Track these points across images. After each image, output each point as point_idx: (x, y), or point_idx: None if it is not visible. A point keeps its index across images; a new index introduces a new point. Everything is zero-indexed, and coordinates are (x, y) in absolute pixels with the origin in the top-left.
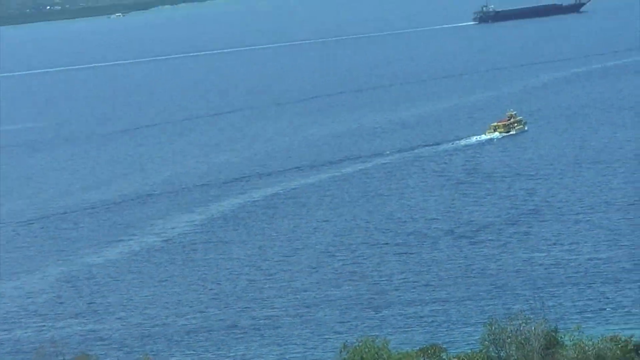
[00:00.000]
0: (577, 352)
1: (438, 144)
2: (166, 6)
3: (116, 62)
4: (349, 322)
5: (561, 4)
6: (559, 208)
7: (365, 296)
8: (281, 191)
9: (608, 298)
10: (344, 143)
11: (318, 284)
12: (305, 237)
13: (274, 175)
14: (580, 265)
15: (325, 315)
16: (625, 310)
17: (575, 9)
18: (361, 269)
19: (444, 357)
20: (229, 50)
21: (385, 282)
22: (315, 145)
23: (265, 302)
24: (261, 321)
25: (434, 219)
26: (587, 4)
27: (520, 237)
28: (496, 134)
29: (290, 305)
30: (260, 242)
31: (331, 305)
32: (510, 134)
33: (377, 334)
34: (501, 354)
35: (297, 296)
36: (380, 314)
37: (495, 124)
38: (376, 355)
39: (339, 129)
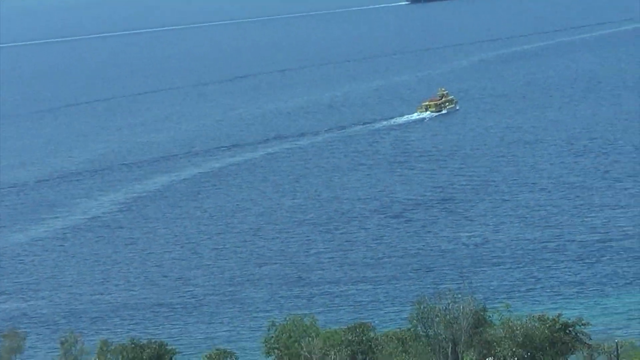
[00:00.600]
0: (505, 330)
1: (369, 123)
2: None
3: (42, 41)
4: (276, 300)
5: None
6: (487, 188)
7: (293, 275)
8: (208, 170)
9: (535, 278)
10: (273, 123)
11: (245, 263)
12: (232, 216)
13: (200, 155)
14: (508, 245)
15: (252, 294)
16: (553, 289)
17: None
18: (289, 248)
19: (372, 335)
20: (153, 29)
21: (312, 261)
22: (243, 125)
23: (192, 280)
24: (188, 299)
25: (363, 198)
26: None
27: (449, 216)
28: (428, 113)
29: (217, 284)
30: (187, 221)
31: (258, 284)
32: (442, 113)
33: (305, 312)
34: (429, 333)
35: (224, 275)
36: (308, 293)
37: (426, 102)
38: (304, 332)
39: (268, 109)
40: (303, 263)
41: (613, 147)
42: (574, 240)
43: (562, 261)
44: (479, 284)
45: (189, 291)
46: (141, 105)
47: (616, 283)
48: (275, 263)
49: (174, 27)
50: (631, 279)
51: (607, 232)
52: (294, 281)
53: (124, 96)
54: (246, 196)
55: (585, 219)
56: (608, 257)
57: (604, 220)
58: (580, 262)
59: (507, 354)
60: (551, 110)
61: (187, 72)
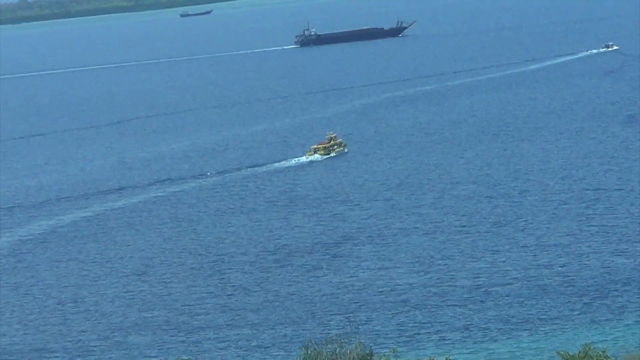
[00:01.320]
0: None
1: (257, 166)
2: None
3: None
4: (161, 345)
5: (382, 28)
6: (373, 232)
7: (177, 320)
8: (90, 214)
9: (422, 322)
10: (157, 166)
11: (128, 308)
12: (114, 260)
13: (82, 199)
14: (393, 289)
15: (136, 339)
16: (440, 334)
17: (396, 32)
18: (172, 292)
19: None
20: (49, 72)
21: (197, 306)
22: (128, 168)
23: (74, 326)
24: (70, 345)
25: (248, 242)
26: (408, 28)
27: (335, 261)
28: (316, 156)
29: (101, 329)
30: (70, 265)
31: (143, 329)
32: (331, 156)
33: (190, 357)
34: None
35: (108, 320)
36: (194, 338)
37: (315, 146)
38: None
39: (153, 152)
40: (188, 307)
41: (497, 191)
42: (459, 285)
43: (449, 305)
44: (365, 329)
45: (71, 337)
46: (31, 147)
47: (502, 327)
48: (159, 308)
49: (60, 70)
50: (517, 324)
51: (491, 277)
52: (179, 326)
53: (15, 138)
54: (129, 240)
55: (470, 263)
56: (493, 302)
57: (488, 265)
58: (466, 306)
59: None
60: (435, 154)
61: (81, 114)
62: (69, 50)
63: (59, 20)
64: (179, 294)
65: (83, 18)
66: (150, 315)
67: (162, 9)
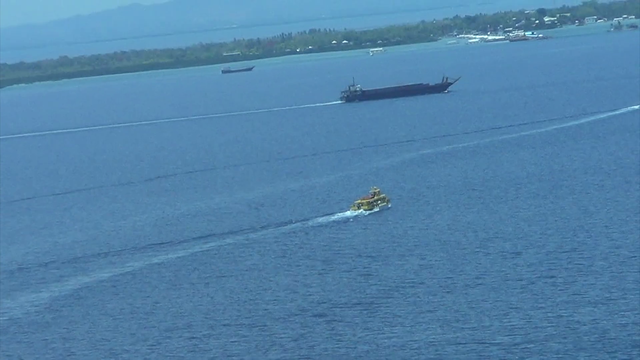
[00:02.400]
0: None
1: (301, 221)
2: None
3: None
4: None
5: (428, 84)
6: (410, 290)
7: None
8: (127, 271)
9: None
10: (199, 221)
11: None
12: (151, 317)
13: (122, 255)
14: (429, 348)
15: None
16: None
17: (441, 89)
18: (210, 349)
19: None
20: (89, 128)
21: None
22: (167, 224)
23: None
24: None
25: (286, 299)
26: (454, 84)
27: (371, 319)
28: (361, 211)
29: None
30: (104, 320)
31: None
32: (374, 211)
33: None
34: None
35: None
36: None
37: (359, 200)
38: None
39: (194, 208)
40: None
41: (533, 247)
42: (496, 342)
43: None
44: None
45: None
46: (58, 205)
47: None
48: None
49: (100, 126)
50: None
51: (528, 334)
52: None
53: (26, 198)
54: (167, 297)
55: (505, 321)
56: (534, 358)
57: (525, 322)
58: None
59: None
60: (473, 211)
61: (111, 171)
62: (109, 106)
63: (99, 76)
64: (216, 351)
65: (123, 74)
66: None
67: (202, 65)
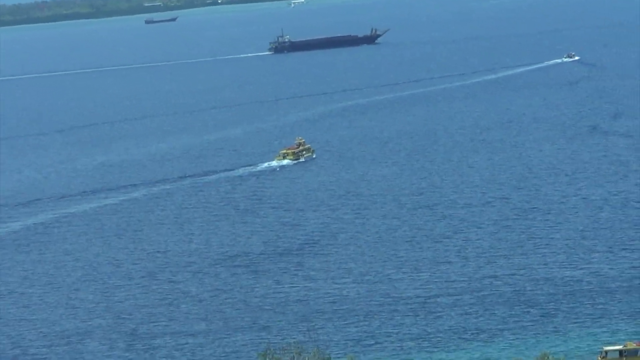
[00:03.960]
0: None
1: (228, 170)
2: None
3: None
4: (111, 353)
5: (357, 35)
6: (337, 239)
7: (137, 326)
8: (39, 222)
9: (381, 330)
10: (123, 171)
11: (76, 316)
12: (68, 267)
13: (33, 206)
14: (349, 297)
15: (85, 347)
16: (394, 343)
17: (370, 40)
18: (130, 299)
19: None
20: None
21: (154, 313)
22: (86, 175)
23: (21, 334)
24: (18, 354)
25: (210, 249)
26: (382, 36)
27: (294, 268)
28: (286, 161)
29: (45, 337)
30: (15, 270)
31: (90, 338)
32: (300, 161)
33: None
34: None
35: (54, 328)
36: (154, 344)
37: (284, 150)
38: None
39: (112, 159)
40: (145, 315)
41: (446, 202)
42: (412, 295)
43: (403, 315)
44: (324, 336)
45: (16, 345)
46: None
47: (456, 337)
48: (114, 316)
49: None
50: (471, 334)
51: (442, 287)
52: (141, 332)
53: None
54: (78, 247)
55: (423, 274)
56: (446, 312)
57: (441, 275)
58: (420, 316)
59: None
60: (407, 163)
61: (22, 121)
62: (32, 56)
63: (20, 26)
64: (136, 300)
65: (44, 24)
66: (100, 323)
67: (124, 16)
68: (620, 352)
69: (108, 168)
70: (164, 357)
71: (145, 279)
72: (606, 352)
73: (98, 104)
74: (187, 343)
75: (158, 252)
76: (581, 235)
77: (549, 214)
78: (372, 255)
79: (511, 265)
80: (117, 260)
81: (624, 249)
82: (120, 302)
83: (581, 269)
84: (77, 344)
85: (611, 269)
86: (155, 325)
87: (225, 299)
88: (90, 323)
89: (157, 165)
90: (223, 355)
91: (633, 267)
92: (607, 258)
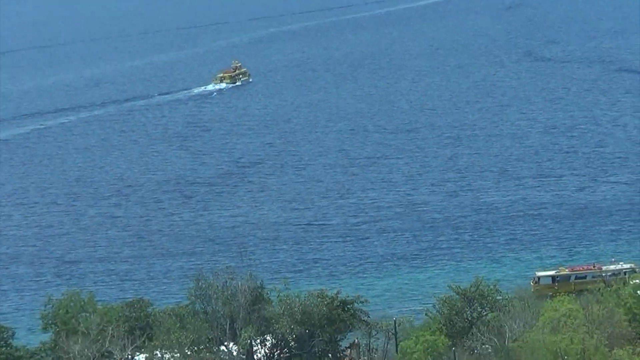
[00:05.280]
0: (283, 307)
1: (163, 94)
2: None
3: None
4: (51, 276)
5: None
6: (268, 165)
7: (69, 251)
8: None
9: (314, 256)
10: (56, 95)
11: (12, 239)
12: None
13: None
14: (287, 222)
15: (26, 270)
16: (332, 268)
17: None
18: (65, 224)
19: (149, 310)
20: None
21: (88, 237)
22: (15, 100)
23: None
24: None
25: (145, 173)
26: None
27: (228, 193)
28: (222, 85)
29: None
30: None
31: (32, 260)
32: (236, 85)
33: (82, 288)
34: (207, 309)
35: None
36: (85, 269)
37: (221, 74)
38: (82, 308)
39: (43, 82)
40: (76, 239)
41: (378, 125)
42: (346, 221)
43: (339, 240)
44: (257, 261)
45: None
46: None
47: (392, 262)
48: (44, 240)
49: None
50: (406, 258)
51: (374, 213)
52: (70, 257)
53: None
54: (8, 173)
55: (356, 199)
56: (384, 237)
57: (378, 201)
58: (359, 240)
59: (286, 330)
60: (343, 86)
61: None
62: None
63: None
64: (64, 226)
65: None
66: (36, 248)
67: None
68: (553, 277)
69: (36, 92)
70: (93, 282)
71: (73, 205)
72: (539, 277)
73: (20, 30)
74: (116, 268)
75: (87, 177)
76: (510, 161)
77: (476, 140)
78: (302, 182)
79: (441, 191)
80: (45, 185)
81: (553, 176)
82: (48, 227)
83: (511, 195)
84: (4, 269)
85: (542, 195)
86: (84, 251)
87: (155, 224)
88: (17, 249)
89: (88, 90)
90: (154, 280)
91: (563, 194)
92: (537, 185)
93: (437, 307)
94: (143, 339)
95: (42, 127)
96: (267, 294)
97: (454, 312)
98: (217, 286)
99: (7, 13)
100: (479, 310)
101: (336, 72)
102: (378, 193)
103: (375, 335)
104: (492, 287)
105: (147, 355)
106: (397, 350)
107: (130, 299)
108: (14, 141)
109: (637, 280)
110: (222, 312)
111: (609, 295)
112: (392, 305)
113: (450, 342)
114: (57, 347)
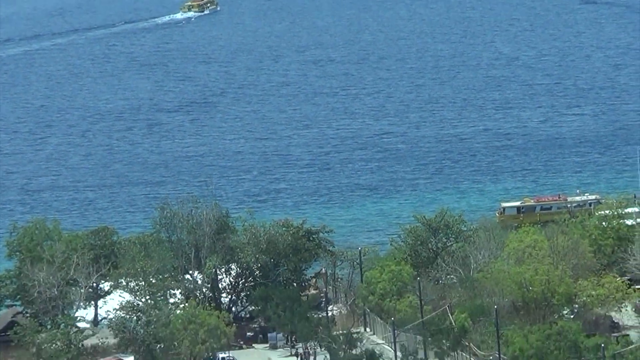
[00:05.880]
0: (248, 236)
1: (130, 23)
2: None
3: None
4: (17, 203)
5: None
6: (233, 95)
7: (29, 180)
8: None
9: (280, 185)
10: (8, 23)
11: None
12: None
13: None
14: (252, 152)
15: None
16: (297, 197)
17: None
18: (28, 152)
19: (114, 238)
20: None
21: (51, 165)
22: None
23: None
24: None
25: (110, 102)
26: None
27: (195, 122)
28: (191, 13)
29: None
30: None
31: None
32: (204, 14)
33: (47, 215)
34: (173, 238)
35: None
36: (50, 196)
37: (189, 2)
38: (47, 236)
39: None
40: (41, 167)
41: (342, 56)
42: (308, 151)
43: (304, 171)
44: (222, 191)
45: None
46: None
47: (357, 192)
48: (11, 168)
49: None
50: (371, 188)
51: (333, 143)
52: (33, 186)
53: None
54: None
55: (314, 129)
56: (348, 168)
57: (342, 132)
58: (323, 171)
59: (251, 260)
60: (293, 19)
61: None
62: None
63: None
64: (25, 155)
65: None
66: (2, 173)
67: None
68: (518, 208)
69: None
70: (57, 211)
71: (36, 134)
72: (504, 208)
73: None
74: (80, 197)
75: (50, 106)
76: (473, 93)
77: (440, 71)
78: (266, 112)
79: (404, 122)
80: (8, 114)
81: (517, 108)
82: (11, 155)
83: (475, 126)
84: None
85: (506, 127)
86: (47, 179)
87: (119, 153)
88: None
89: (52, 18)
90: (119, 209)
91: (528, 125)
92: (502, 117)
93: (402, 237)
94: (108, 267)
95: (4, 55)
96: (232, 223)
97: (419, 242)
98: (182, 215)
99: None
100: (444, 240)
101: (302, 3)
102: (342, 123)
103: (340, 265)
104: (457, 217)
105: (112, 283)
106: (362, 280)
107: (95, 227)
108: None
109: (602, 212)
110: (187, 241)
111: (574, 226)
112: (357, 235)
113: (415, 272)
114: (21, 275)
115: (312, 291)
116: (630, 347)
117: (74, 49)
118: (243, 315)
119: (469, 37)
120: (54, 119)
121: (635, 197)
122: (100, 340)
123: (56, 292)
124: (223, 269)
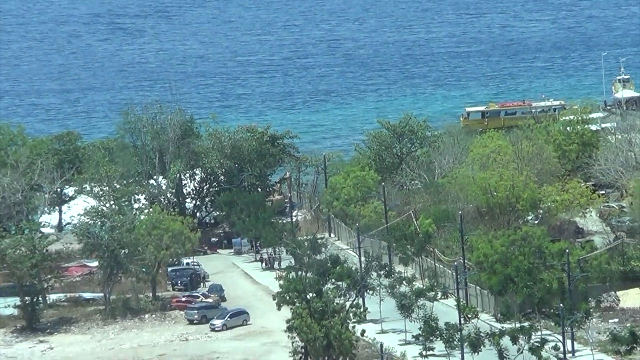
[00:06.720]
0: (212, 142)
1: None
2: None
3: None
4: None
5: None
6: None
7: None
8: None
9: (243, 91)
10: None
11: None
12: None
13: None
14: (216, 58)
15: None
16: (261, 102)
17: None
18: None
19: (79, 144)
20: None
21: (9, 70)
22: None
23: None
24: None
25: (70, 6)
26: None
27: (156, 27)
28: None
29: None
30: None
31: None
32: None
33: (11, 120)
34: (137, 143)
35: None
36: (8, 103)
37: None
38: (11, 141)
39: None
40: (3, 73)
41: None
42: (276, 55)
43: (266, 76)
44: (187, 95)
45: None
46: None
47: (320, 98)
48: None
49: None
50: (334, 94)
51: (307, 49)
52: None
53: None
54: None
55: (264, 36)
56: (310, 73)
57: (302, 37)
58: (286, 76)
59: (215, 165)
60: None
61: None
62: None
63: None
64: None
65: None
66: None
67: None
68: (483, 113)
69: None
70: (20, 117)
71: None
72: (468, 113)
73: None
74: (41, 102)
75: (10, 10)
76: None
77: None
78: (225, 17)
79: (365, 28)
80: None
81: (477, 14)
82: None
83: (436, 32)
84: None
85: (467, 33)
86: (7, 84)
87: (80, 58)
88: None
89: None
90: (82, 114)
91: (489, 31)
92: (463, 22)
93: (366, 142)
94: (72, 172)
95: None
96: (197, 128)
97: (383, 147)
98: (146, 120)
99: None
100: (409, 146)
101: None
102: (302, 29)
103: (305, 170)
104: (421, 123)
105: (76, 188)
106: (326, 185)
107: (59, 132)
108: None
109: (567, 117)
110: (151, 146)
111: (538, 131)
112: (321, 141)
113: (380, 178)
114: None
115: (277, 197)
116: (595, 252)
117: None
118: (207, 220)
119: None
120: (12, 22)
121: (605, 103)
122: (65, 245)
123: (20, 197)
124: (187, 174)
